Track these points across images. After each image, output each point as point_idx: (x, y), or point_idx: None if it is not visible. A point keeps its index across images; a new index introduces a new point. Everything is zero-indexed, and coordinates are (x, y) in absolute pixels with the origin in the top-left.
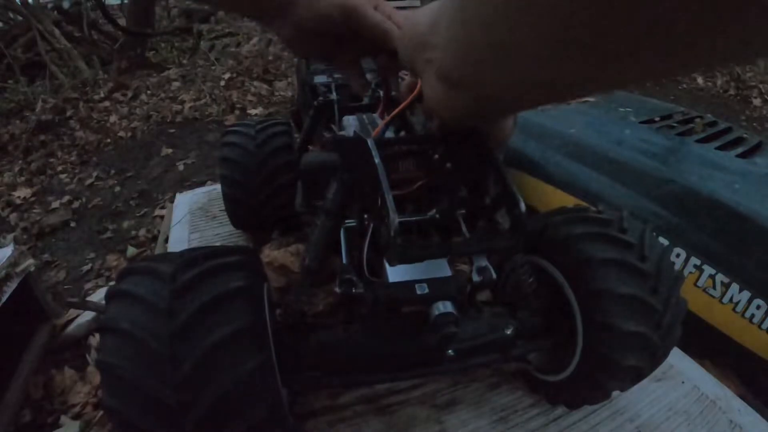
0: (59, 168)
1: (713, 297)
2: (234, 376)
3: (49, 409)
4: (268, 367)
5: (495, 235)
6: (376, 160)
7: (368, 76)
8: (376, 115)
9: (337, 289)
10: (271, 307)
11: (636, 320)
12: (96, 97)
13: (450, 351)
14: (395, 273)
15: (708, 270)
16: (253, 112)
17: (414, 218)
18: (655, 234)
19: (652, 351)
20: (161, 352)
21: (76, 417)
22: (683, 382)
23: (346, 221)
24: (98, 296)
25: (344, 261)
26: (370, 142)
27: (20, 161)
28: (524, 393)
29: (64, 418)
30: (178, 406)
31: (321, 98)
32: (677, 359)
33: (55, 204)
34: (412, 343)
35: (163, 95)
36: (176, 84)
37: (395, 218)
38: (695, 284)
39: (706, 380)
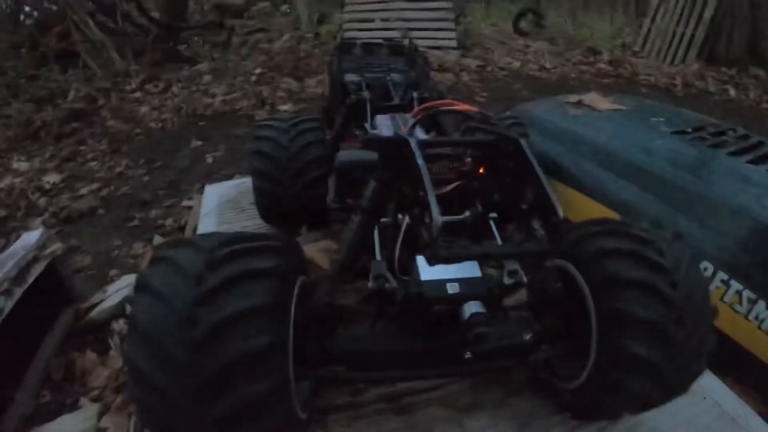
0: (89, 156)
1: (738, 313)
2: (246, 348)
3: (68, 390)
4: (280, 346)
5: (531, 241)
6: (419, 161)
7: (398, 78)
8: (408, 116)
9: (370, 285)
10: (303, 298)
11: (650, 347)
12: (128, 87)
13: (467, 353)
14: (427, 271)
15: (735, 286)
16: (282, 107)
17: (447, 219)
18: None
19: (663, 382)
20: (183, 313)
21: (95, 400)
22: (704, 398)
23: (381, 219)
24: (123, 283)
25: (378, 258)
26: (413, 142)
27: (51, 147)
28: (546, 400)
29: (83, 400)
30: (188, 365)
31: (354, 96)
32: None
33: (84, 191)
34: (437, 343)
35: (194, 88)
36: (207, 78)
37: (439, 219)
38: (721, 299)
39: (727, 397)
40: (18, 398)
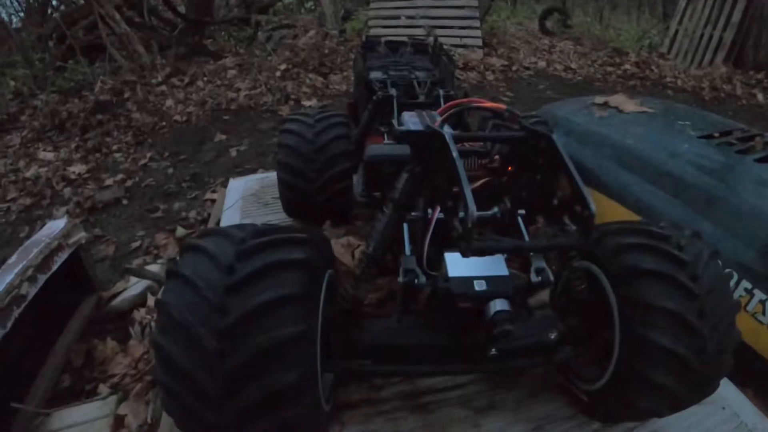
0: (114, 147)
1: (762, 323)
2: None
3: (88, 377)
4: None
5: (564, 235)
6: (454, 154)
7: (423, 75)
8: (435, 113)
9: (400, 279)
10: (330, 290)
11: (674, 338)
12: (153, 81)
13: (493, 350)
14: (455, 268)
15: (759, 295)
16: (307, 103)
17: (480, 214)
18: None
19: (690, 375)
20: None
21: (114, 387)
22: (723, 408)
23: (411, 213)
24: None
25: (407, 253)
26: (448, 135)
27: (77, 138)
28: (562, 404)
29: (102, 387)
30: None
31: (380, 93)
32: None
33: (109, 181)
34: (461, 339)
35: (219, 82)
36: (232, 72)
37: (475, 212)
38: (744, 308)
39: (747, 409)
40: (38, 383)
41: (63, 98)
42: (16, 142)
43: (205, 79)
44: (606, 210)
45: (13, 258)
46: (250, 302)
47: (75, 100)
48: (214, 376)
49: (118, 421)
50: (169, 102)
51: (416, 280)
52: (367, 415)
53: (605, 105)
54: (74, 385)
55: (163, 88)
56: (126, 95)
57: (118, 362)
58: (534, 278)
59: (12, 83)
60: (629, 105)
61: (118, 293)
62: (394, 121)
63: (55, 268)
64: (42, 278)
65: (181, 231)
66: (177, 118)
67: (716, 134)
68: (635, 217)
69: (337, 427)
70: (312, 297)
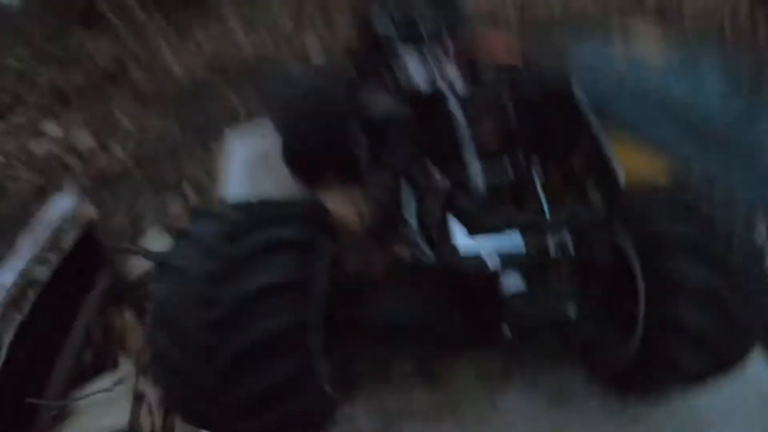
0: (121, 115)
1: None
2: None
3: (108, 351)
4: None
5: (586, 211)
6: (460, 122)
7: (430, 16)
8: (444, 58)
9: (403, 254)
10: (331, 266)
11: (703, 312)
12: (153, 43)
13: (506, 328)
14: (464, 239)
15: None
16: (314, 56)
17: (488, 181)
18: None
19: (716, 351)
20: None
21: (133, 362)
22: (760, 392)
23: (414, 178)
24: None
25: (411, 223)
26: (452, 102)
27: (82, 111)
28: (581, 378)
29: (122, 361)
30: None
31: (380, 34)
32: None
33: (118, 151)
34: (472, 316)
35: (222, 39)
36: (235, 27)
37: (482, 187)
38: None
39: None
40: (61, 361)
41: (64, 71)
42: (22, 121)
43: (208, 35)
44: (628, 156)
45: (25, 239)
46: (239, 292)
47: (77, 71)
48: (207, 370)
49: (138, 397)
50: (172, 63)
51: (422, 255)
52: (377, 390)
53: (627, 44)
54: (96, 360)
55: (165, 48)
56: (128, 62)
57: (137, 336)
58: (553, 252)
59: (13, 63)
60: (652, 40)
61: (133, 267)
62: (396, 69)
63: (67, 247)
64: (55, 258)
65: (191, 197)
66: (181, 79)
67: (743, 78)
68: (659, 164)
69: (347, 403)
70: (308, 279)
